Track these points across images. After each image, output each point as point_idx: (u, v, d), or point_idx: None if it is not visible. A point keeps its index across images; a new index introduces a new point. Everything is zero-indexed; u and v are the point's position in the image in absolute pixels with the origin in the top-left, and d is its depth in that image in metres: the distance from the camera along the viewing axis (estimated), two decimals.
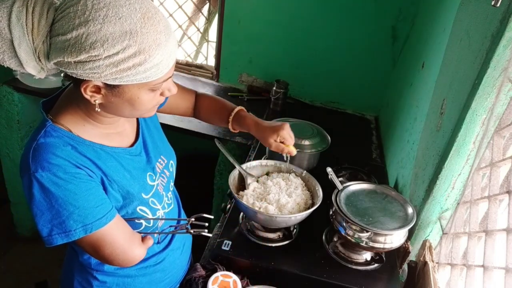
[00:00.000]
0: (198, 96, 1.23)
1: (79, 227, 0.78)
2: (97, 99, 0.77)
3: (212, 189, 2.10)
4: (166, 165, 1.06)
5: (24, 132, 2.34)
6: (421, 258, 1.18)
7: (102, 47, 0.68)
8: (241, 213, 1.32)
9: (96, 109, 0.79)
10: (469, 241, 1.03)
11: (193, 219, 0.93)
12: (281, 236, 1.26)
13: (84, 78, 0.72)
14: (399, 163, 1.62)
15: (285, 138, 1.13)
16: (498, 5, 0.89)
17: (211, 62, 2.57)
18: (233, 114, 1.16)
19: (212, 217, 0.93)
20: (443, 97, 1.20)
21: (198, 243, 1.31)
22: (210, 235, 0.94)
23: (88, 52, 0.68)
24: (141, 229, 0.94)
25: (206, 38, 2.65)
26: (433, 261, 1.14)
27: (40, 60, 0.72)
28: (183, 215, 1.18)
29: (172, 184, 1.09)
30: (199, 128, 1.98)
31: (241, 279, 1.12)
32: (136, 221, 0.92)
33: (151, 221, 0.95)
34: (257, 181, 1.29)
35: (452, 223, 1.13)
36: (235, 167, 1.28)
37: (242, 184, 1.28)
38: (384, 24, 2.05)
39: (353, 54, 2.17)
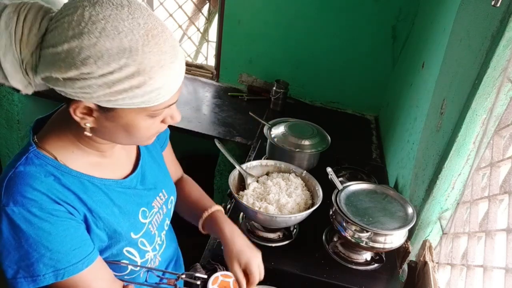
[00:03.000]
0: (185, 177, 1.14)
1: (49, 272, 0.69)
2: (88, 122, 0.68)
3: (212, 189, 2.10)
4: (166, 201, 0.95)
5: (24, 132, 2.34)
6: (421, 258, 1.18)
7: (95, 64, 0.60)
8: (241, 213, 1.32)
9: (86, 133, 0.70)
10: (469, 241, 1.03)
11: (183, 276, 0.84)
12: (281, 236, 1.26)
13: (74, 98, 0.64)
14: (399, 163, 1.62)
15: (252, 273, 0.90)
16: (498, 5, 0.89)
17: (211, 62, 2.57)
18: (209, 211, 0.98)
19: (205, 276, 0.85)
20: (443, 97, 1.20)
21: (198, 242, 1.31)
22: None
23: (79, 69, 0.60)
24: (126, 272, 0.84)
25: (206, 38, 2.65)
26: (433, 261, 1.14)
27: (27, 73, 0.64)
28: (179, 254, 1.08)
29: (167, 222, 0.98)
30: (199, 128, 1.98)
31: None
32: (121, 264, 0.82)
33: (139, 263, 0.85)
34: (257, 181, 1.29)
35: (452, 223, 1.13)
36: (235, 167, 1.28)
37: (242, 184, 1.28)
38: (384, 24, 2.05)
39: (353, 54, 2.18)
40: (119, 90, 0.63)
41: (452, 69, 1.19)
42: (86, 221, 0.74)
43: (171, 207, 0.99)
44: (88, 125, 0.69)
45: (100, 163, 0.79)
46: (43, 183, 0.69)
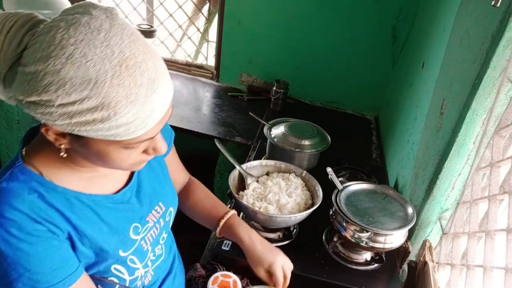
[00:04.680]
0: (192, 180, 1.11)
1: None
2: (62, 144, 0.65)
3: (212, 189, 2.10)
4: (164, 213, 0.91)
5: (24, 132, 2.33)
6: (421, 258, 1.18)
7: (55, 93, 0.55)
8: (241, 213, 1.32)
9: (61, 154, 0.66)
10: (469, 241, 1.03)
11: None
12: (281, 236, 1.26)
13: (39, 121, 0.60)
14: (399, 163, 1.62)
15: (276, 276, 0.96)
16: (498, 5, 0.89)
17: (211, 62, 2.57)
18: (225, 219, 1.02)
19: None
20: (443, 97, 1.20)
21: (198, 241, 1.31)
22: None
23: (39, 95, 0.56)
24: None
25: (206, 38, 2.65)
26: (433, 261, 1.14)
27: (5, 87, 0.61)
28: (178, 265, 1.04)
29: (164, 236, 0.93)
30: (199, 128, 1.98)
31: (241, 279, 1.12)
32: (107, 282, 0.79)
33: (127, 281, 0.81)
34: (257, 181, 1.29)
35: (452, 223, 1.13)
36: (235, 167, 1.28)
37: (242, 184, 1.28)
38: (384, 24, 2.05)
39: (353, 54, 2.18)
40: (81, 122, 0.58)
41: (452, 69, 1.19)
42: (70, 239, 0.71)
43: (170, 219, 0.94)
44: (63, 146, 0.66)
45: (91, 178, 0.75)
46: (24, 201, 0.66)
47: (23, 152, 0.70)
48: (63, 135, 0.63)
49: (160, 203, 0.89)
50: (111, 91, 0.57)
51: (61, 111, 0.57)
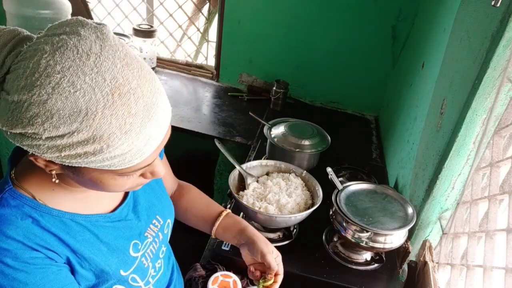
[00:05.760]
0: (181, 184, 1.08)
1: None
2: (53, 170, 0.61)
3: (212, 189, 2.10)
4: (162, 226, 0.88)
5: None
6: (421, 258, 1.18)
7: (42, 126, 0.51)
8: (241, 213, 1.32)
9: (54, 179, 0.63)
10: (469, 241, 1.03)
11: None
12: (281, 236, 1.26)
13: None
14: (399, 163, 1.62)
15: (281, 267, 0.93)
16: (498, 5, 0.89)
17: (211, 62, 2.57)
18: (222, 216, 0.99)
19: None
20: (443, 97, 1.20)
21: (199, 244, 1.31)
22: None
23: (25, 128, 0.52)
24: None
25: (206, 38, 2.65)
26: (433, 261, 1.14)
27: None
28: (177, 276, 1.01)
29: (163, 249, 0.91)
30: (199, 128, 1.98)
31: (241, 279, 1.12)
32: None
33: None
34: (257, 181, 1.29)
35: (452, 223, 1.13)
36: (235, 167, 1.28)
37: (242, 184, 1.28)
38: (384, 24, 2.06)
39: (353, 54, 2.18)
40: (72, 155, 0.54)
41: (452, 69, 1.19)
42: (69, 263, 0.68)
43: (168, 231, 0.92)
44: (54, 172, 0.62)
45: (86, 197, 0.72)
46: (18, 228, 0.62)
47: (12, 174, 0.66)
48: (53, 162, 0.59)
49: (157, 217, 0.87)
50: (103, 122, 0.52)
51: (49, 144, 0.53)
